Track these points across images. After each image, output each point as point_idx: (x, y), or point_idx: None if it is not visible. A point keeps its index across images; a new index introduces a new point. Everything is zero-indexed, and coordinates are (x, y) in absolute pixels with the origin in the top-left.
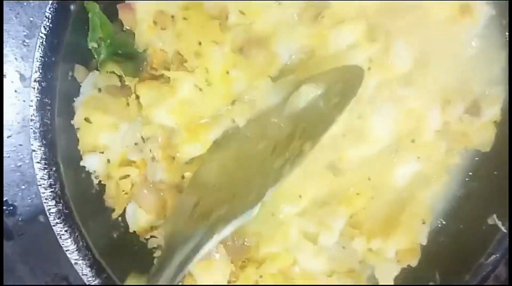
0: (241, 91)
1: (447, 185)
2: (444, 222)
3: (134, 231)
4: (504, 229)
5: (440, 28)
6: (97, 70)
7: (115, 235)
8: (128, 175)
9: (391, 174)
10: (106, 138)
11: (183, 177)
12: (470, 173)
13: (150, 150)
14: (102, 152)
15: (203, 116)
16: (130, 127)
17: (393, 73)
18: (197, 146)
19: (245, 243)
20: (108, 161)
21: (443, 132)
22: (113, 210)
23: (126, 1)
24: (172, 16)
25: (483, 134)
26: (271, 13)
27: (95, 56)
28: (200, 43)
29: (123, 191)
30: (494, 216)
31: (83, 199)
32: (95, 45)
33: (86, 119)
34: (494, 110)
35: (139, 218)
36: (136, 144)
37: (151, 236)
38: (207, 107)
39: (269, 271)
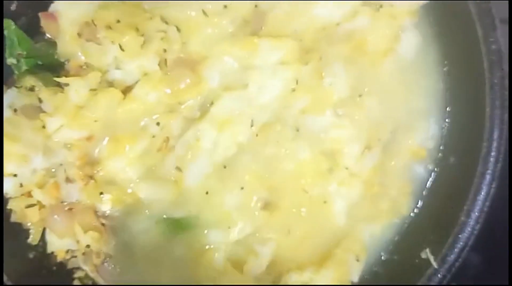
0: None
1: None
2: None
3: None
4: (435, 265)
5: (375, 61)
6: (16, 87)
7: (31, 256)
8: (34, 204)
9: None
10: (13, 167)
11: (101, 193)
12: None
13: (65, 170)
14: (15, 175)
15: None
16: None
17: (328, 99)
18: (122, 160)
19: None
20: (21, 185)
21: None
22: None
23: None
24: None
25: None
26: (207, 32)
27: (15, 71)
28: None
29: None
30: (427, 250)
31: None
32: (14, 61)
33: None
34: None
35: (54, 241)
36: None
37: (72, 257)
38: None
39: None
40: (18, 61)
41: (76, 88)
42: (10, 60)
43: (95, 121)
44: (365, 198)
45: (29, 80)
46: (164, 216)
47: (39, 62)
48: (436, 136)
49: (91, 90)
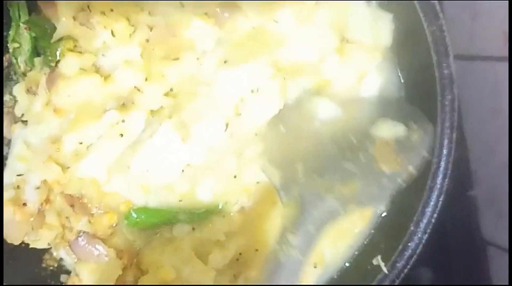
0: None
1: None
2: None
3: None
4: (385, 270)
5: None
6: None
7: None
8: None
9: None
10: None
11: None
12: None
13: None
14: None
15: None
16: None
17: None
18: None
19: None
20: None
21: None
22: None
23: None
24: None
25: None
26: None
27: (13, 60)
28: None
29: None
30: (378, 257)
31: None
32: (16, 45)
33: None
34: None
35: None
36: None
37: None
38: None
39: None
40: (20, 45)
41: (69, 62)
42: (12, 45)
43: (69, 95)
44: None
45: None
46: None
47: (33, 34)
48: None
49: (81, 69)
